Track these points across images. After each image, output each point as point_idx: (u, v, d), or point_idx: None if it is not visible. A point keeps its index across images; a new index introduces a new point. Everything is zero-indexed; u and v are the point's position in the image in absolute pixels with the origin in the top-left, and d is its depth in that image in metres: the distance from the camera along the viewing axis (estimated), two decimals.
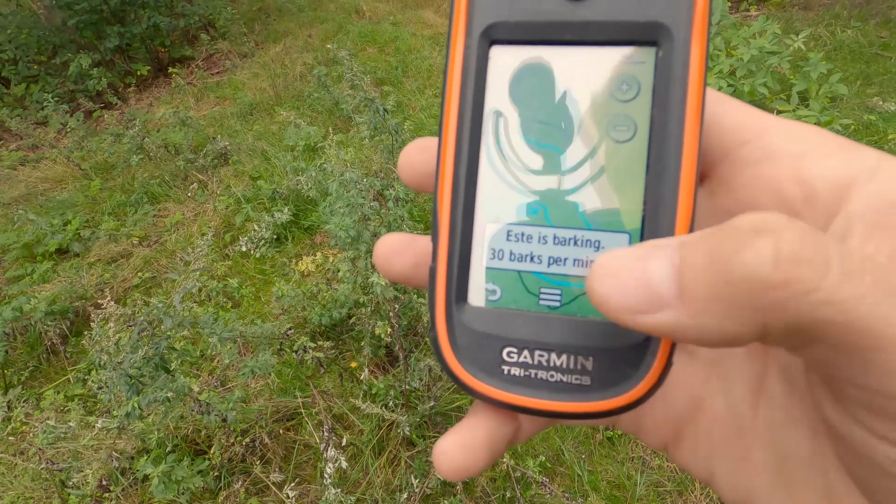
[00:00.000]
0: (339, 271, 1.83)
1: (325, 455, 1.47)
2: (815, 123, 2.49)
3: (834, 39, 3.44)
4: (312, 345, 1.63)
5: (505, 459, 1.54)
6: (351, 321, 1.93)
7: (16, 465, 1.74)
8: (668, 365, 0.21)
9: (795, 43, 2.62)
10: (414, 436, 1.62)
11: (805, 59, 2.74)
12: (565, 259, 0.23)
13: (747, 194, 0.22)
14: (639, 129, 0.22)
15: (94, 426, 1.58)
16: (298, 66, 3.98)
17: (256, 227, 2.48)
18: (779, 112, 2.58)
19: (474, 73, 0.23)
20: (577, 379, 0.22)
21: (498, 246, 0.24)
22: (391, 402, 1.67)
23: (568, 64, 0.23)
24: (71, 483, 1.58)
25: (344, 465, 1.45)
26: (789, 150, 0.21)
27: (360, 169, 2.12)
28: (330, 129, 2.48)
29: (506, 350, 0.23)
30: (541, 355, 0.22)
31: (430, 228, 0.24)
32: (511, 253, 0.23)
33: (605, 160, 0.22)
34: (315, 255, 2.28)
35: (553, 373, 0.22)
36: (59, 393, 1.97)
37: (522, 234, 0.23)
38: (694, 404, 0.24)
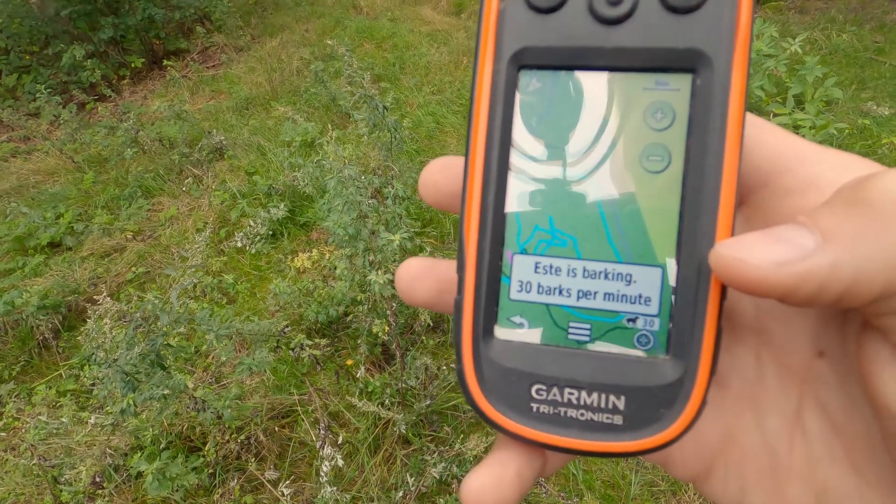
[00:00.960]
0: (335, 268, 1.82)
1: (321, 453, 1.47)
2: (810, 127, 2.51)
3: (829, 43, 3.47)
4: (309, 342, 1.62)
5: None
6: (348, 319, 1.92)
7: (7, 460, 1.72)
8: (702, 404, 0.21)
9: (792, 46, 2.63)
10: (410, 434, 1.62)
11: (801, 62, 2.76)
12: (595, 293, 0.22)
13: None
14: (673, 159, 0.21)
15: (86, 422, 1.56)
16: (295, 60, 3.96)
17: (252, 223, 2.46)
18: (775, 115, 2.59)
19: (503, 99, 0.22)
20: (608, 418, 0.21)
21: (525, 278, 0.23)
22: (387, 401, 1.66)
23: (599, 90, 0.22)
24: (63, 479, 1.57)
25: (340, 463, 1.45)
26: (833, 180, 0.20)
27: (358, 166, 2.11)
28: (329, 125, 2.47)
29: (534, 387, 0.22)
30: (570, 393, 0.22)
31: (457, 259, 0.24)
32: (539, 285, 0.23)
33: (636, 190, 0.22)
34: (311, 252, 2.27)
35: (583, 411, 0.22)
36: (50, 388, 1.95)
37: (551, 266, 0.23)
38: (726, 438, 0.24)
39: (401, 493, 1.50)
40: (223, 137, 3.10)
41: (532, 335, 0.23)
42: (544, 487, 1.51)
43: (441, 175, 0.25)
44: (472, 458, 1.54)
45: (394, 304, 1.58)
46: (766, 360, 0.23)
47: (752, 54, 0.21)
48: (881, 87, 3.01)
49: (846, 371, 0.21)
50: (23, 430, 1.77)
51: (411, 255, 1.69)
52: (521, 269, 0.23)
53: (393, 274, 1.52)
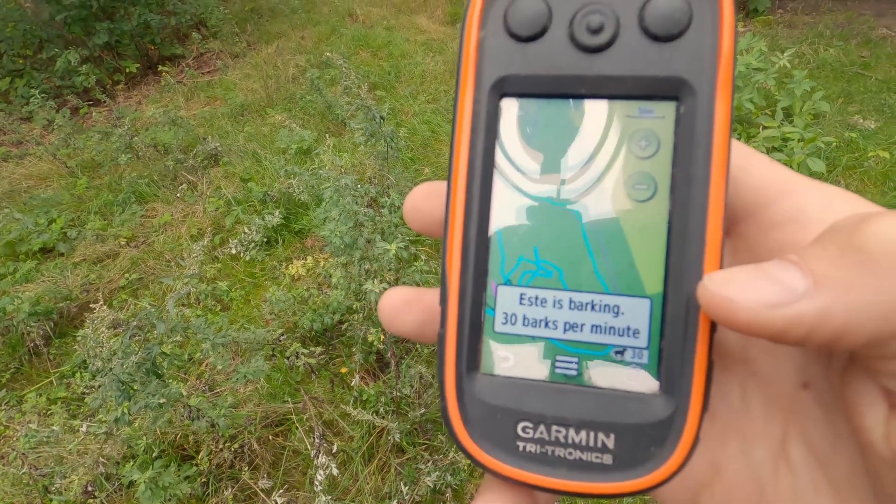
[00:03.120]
0: (330, 276, 1.83)
1: (315, 462, 1.47)
2: (798, 140, 2.55)
3: (817, 58, 3.54)
4: (304, 351, 1.62)
5: None
6: (343, 327, 1.92)
7: None
8: (695, 442, 0.20)
9: (781, 60, 2.68)
10: (404, 443, 1.62)
11: (790, 76, 2.82)
12: (582, 325, 0.22)
13: (774, 258, 0.21)
14: (659, 187, 0.21)
15: (78, 430, 1.55)
16: (291, 67, 3.97)
17: (247, 230, 2.47)
18: (764, 128, 2.64)
19: (484, 128, 0.22)
20: (597, 458, 0.21)
21: (510, 310, 0.22)
22: (382, 409, 1.67)
23: (581, 118, 0.22)
24: (54, 488, 1.55)
25: (334, 471, 1.45)
26: (817, 215, 0.20)
27: (354, 174, 2.12)
28: (324, 132, 2.48)
29: (521, 425, 0.22)
30: (558, 431, 0.21)
31: (440, 291, 0.23)
32: (524, 318, 0.22)
33: (623, 219, 0.21)
34: (306, 259, 2.27)
35: (571, 450, 0.21)
36: (41, 396, 1.93)
37: (536, 298, 0.22)
38: (712, 468, 0.23)
39: (395, 502, 1.50)
40: (218, 144, 3.10)
41: (518, 370, 0.22)
42: None
43: (426, 202, 0.25)
44: (465, 467, 1.54)
45: None
46: (752, 389, 0.23)
47: (735, 82, 0.19)
48: (867, 101, 3.07)
49: (831, 404, 0.21)
50: (13, 439, 1.75)
51: (406, 264, 1.70)
52: (505, 301, 0.22)
53: (388, 283, 1.53)
